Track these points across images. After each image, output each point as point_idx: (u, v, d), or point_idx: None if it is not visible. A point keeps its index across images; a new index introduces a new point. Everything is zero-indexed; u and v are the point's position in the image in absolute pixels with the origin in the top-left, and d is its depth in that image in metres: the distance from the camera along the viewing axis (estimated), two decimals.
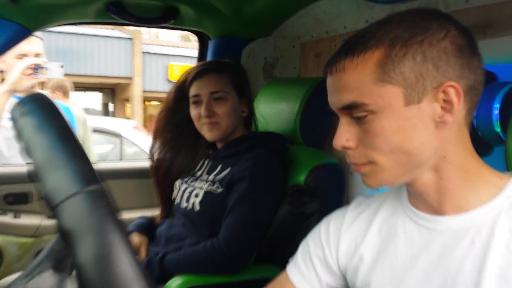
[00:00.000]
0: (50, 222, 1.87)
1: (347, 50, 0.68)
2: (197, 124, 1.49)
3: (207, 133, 1.46)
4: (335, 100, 0.70)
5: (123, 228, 0.46)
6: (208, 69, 1.48)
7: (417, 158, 0.66)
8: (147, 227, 1.54)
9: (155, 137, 1.63)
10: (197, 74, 1.48)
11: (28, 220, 1.85)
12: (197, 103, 1.47)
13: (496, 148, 1.50)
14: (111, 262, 0.43)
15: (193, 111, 1.48)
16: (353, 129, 0.69)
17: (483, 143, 1.46)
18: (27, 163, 0.52)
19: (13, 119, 0.57)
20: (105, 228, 0.44)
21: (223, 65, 1.51)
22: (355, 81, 0.66)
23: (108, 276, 0.42)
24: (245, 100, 1.51)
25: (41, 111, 0.55)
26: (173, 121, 1.58)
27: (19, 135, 0.54)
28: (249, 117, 1.55)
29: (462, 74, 0.65)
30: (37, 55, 1.86)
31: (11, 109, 0.59)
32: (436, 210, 0.70)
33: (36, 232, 1.85)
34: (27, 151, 0.52)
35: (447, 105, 0.64)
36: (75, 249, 0.44)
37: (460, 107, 0.65)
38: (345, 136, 0.69)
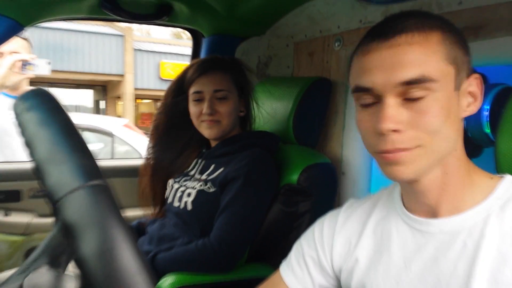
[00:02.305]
0: (41, 220, 1.86)
1: (396, 29, 0.65)
2: (195, 121, 1.47)
3: (206, 130, 1.45)
4: (388, 76, 0.64)
5: (125, 222, 0.46)
6: (212, 66, 1.46)
7: (449, 145, 0.66)
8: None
9: (151, 133, 1.62)
10: (201, 70, 1.46)
11: (18, 218, 1.83)
12: (199, 100, 1.45)
13: (486, 150, 1.51)
14: (114, 256, 0.43)
15: (194, 108, 1.46)
16: (403, 110, 0.64)
17: (473, 144, 1.48)
18: (29, 159, 0.52)
19: (16, 114, 0.57)
20: (107, 222, 0.45)
21: (227, 63, 1.49)
22: (422, 55, 0.63)
23: (111, 269, 0.43)
24: (243, 100, 1.51)
25: (44, 106, 0.55)
26: (169, 116, 1.56)
27: (22, 130, 0.54)
28: (246, 117, 1.54)
29: (469, 72, 0.68)
30: (14, 53, 1.84)
31: (13, 104, 0.59)
32: (433, 210, 0.70)
33: (26, 230, 1.83)
34: (29, 146, 0.52)
35: (471, 96, 0.68)
36: (77, 243, 0.44)
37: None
38: (395, 118, 0.64)
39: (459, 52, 0.66)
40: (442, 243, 0.67)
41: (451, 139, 0.66)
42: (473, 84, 0.67)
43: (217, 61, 1.50)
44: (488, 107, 1.41)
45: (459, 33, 0.67)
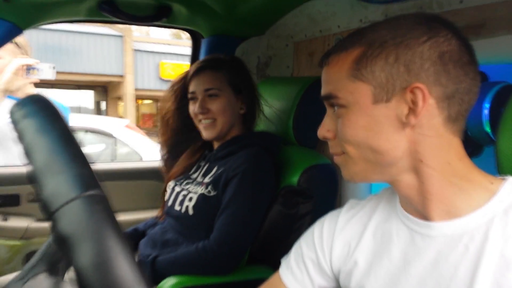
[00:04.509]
0: (40, 225, 1.85)
1: (336, 46, 0.72)
2: (195, 122, 1.49)
3: (204, 132, 1.47)
4: (321, 90, 0.74)
5: (122, 233, 0.45)
6: (204, 66, 1.49)
7: (383, 156, 0.68)
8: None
9: (159, 138, 1.66)
10: (195, 71, 1.49)
11: (17, 222, 1.83)
12: (194, 99, 1.48)
13: (487, 149, 1.51)
14: (111, 267, 0.43)
15: (190, 108, 1.49)
16: (333, 121, 0.72)
17: (473, 143, 1.47)
18: (25, 165, 0.51)
19: (13, 121, 0.56)
20: (104, 233, 0.44)
21: (219, 62, 1.50)
22: (334, 74, 0.71)
23: (108, 281, 0.42)
24: (242, 97, 1.50)
25: (41, 113, 0.55)
26: (174, 120, 1.59)
27: (20, 138, 0.54)
28: (248, 115, 1.53)
29: (437, 80, 0.64)
30: None
31: (10, 110, 0.58)
32: (423, 214, 0.69)
33: (25, 235, 1.82)
34: (27, 154, 0.52)
35: (414, 106, 0.65)
36: (74, 255, 0.44)
37: (431, 112, 0.65)
38: (326, 127, 0.74)
39: (387, 65, 0.65)
40: (443, 246, 0.66)
41: (389, 150, 0.67)
42: (416, 94, 0.64)
43: (210, 60, 1.52)
44: (488, 105, 1.41)
45: (399, 44, 0.65)
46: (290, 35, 1.81)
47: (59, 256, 0.56)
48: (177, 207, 1.43)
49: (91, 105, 14.84)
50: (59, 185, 0.47)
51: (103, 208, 0.46)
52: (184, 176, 1.53)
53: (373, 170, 0.70)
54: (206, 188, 1.39)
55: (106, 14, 1.54)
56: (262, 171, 1.37)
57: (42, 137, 0.51)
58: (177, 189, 1.48)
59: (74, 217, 0.45)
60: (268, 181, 1.39)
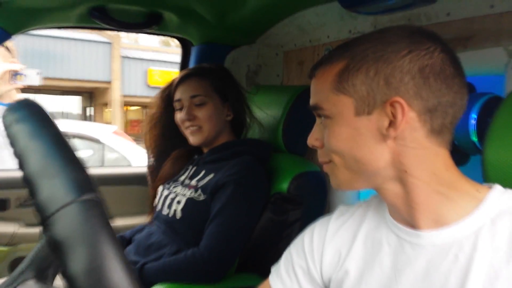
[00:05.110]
0: (26, 230, 1.82)
1: (323, 59, 0.74)
2: (182, 129, 1.50)
3: (190, 137, 1.47)
4: (310, 100, 0.76)
5: (117, 238, 0.45)
6: (190, 74, 1.50)
7: (367, 167, 0.69)
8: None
9: (146, 144, 1.67)
10: (180, 79, 1.50)
11: (3, 228, 1.80)
12: (180, 108, 1.48)
13: (473, 158, 1.53)
14: (105, 273, 0.42)
15: (177, 116, 1.50)
16: (321, 130, 0.74)
17: (460, 152, 1.49)
18: (18, 170, 0.51)
19: (5, 125, 0.56)
20: (99, 239, 0.44)
21: (205, 70, 1.52)
22: (319, 87, 0.73)
23: (101, 287, 0.42)
24: (228, 105, 1.51)
25: (34, 118, 0.55)
26: (160, 127, 1.60)
27: (12, 143, 0.53)
28: (236, 121, 1.54)
29: (417, 94, 0.65)
30: None
31: (2, 115, 0.58)
32: (411, 224, 0.70)
33: (12, 241, 1.80)
34: (20, 158, 0.51)
35: (394, 119, 0.66)
36: (67, 260, 0.43)
37: (412, 125, 0.65)
38: (314, 136, 0.75)
39: (367, 79, 0.66)
40: (433, 256, 0.67)
41: (372, 160, 0.68)
42: (396, 108, 0.65)
43: (196, 68, 1.54)
44: (476, 116, 1.43)
45: (380, 58, 0.66)
46: (280, 44, 1.83)
47: (48, 262, 0.56)
48: (165, 211, 1.42)
49: (76, 111, 14.73)
50: (54, 190, 0.47)
51: (99, 213, 0.46)
52: (172, 179, 1.54)
53: (358, 178, 0.71)
54: (196, 192, 1.38)
55: (97, 21, 1.54)
56: (255, 180, 1.38)
57: (36, 142, 0.51)
58: (165, 192, 1.48)
59: (69, 221, 0.45)
60: (261, 191, 1.39)
